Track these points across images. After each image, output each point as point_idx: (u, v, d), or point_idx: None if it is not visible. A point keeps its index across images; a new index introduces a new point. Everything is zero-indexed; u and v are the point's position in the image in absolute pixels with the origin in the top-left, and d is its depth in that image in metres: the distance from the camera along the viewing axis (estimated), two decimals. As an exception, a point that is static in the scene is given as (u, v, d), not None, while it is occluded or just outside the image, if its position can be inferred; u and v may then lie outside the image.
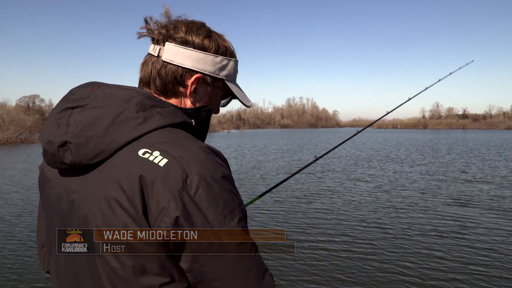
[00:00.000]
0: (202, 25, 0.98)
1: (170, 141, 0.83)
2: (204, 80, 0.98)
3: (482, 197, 10.00)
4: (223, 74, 1.00)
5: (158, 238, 0.78)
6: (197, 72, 0.96)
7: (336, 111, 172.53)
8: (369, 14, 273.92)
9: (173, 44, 0.94)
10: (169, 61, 0.94)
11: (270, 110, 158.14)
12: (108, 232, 0.80)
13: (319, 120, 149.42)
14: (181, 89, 0.97)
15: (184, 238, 0.78)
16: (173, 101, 0.97)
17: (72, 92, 0.92)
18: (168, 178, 0.77)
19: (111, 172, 0.81)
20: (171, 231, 0.77)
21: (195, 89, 0.97)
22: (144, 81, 0.98)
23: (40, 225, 1.13)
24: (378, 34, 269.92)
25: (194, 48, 0.94)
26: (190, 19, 0.99)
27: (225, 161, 0.89)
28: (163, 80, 0.95)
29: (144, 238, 0.78)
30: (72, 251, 0.87)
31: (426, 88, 2.98)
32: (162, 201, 0.76)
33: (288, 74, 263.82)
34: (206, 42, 0.96)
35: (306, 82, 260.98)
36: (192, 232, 0.77)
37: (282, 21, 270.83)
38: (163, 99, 0.96)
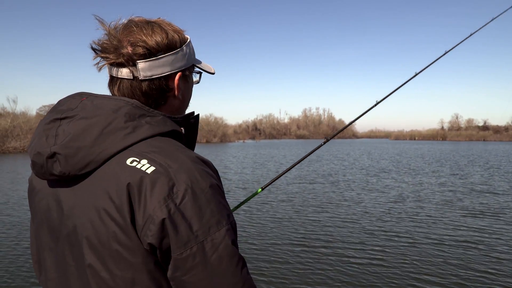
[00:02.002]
0: (147, 23, 0.94)
1: (158, 150, 0.83)
2: (183, 74, 1.00)
3: (505, 209, 9.73)
4: (191, 60, 1.02)
5: (145, 247, 0.78)
6: (176, 72, 0.97)
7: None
8: (388, 24, 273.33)
9: (143, 61, 0.91)
10: (149, 77, 0.93)
11: (286, 120, 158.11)
12: (97, 241, 0.80)
13: (335, 131, 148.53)
14: (168, 94, 0.98)
15: (168, 246, 0.78)
16: (162, 107, 0.98)
17: (60, 103, 0.92)
18: (155, 186, 0.77)
19: (100, 182, 0.81)
20: (157, 240, 0.76)
21: (179, 88, 0.98)
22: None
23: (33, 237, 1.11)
24: (397, 45, 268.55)
25: (164, 53, 0.93)
26: (126, 20, 0.94)
27: (215, 171, 0.89)
28: (152, 97, 0.95)
29: (132, 247, 0.78)
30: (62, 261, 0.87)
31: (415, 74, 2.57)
32: (148, 209, 0.76)
33: (305, 84, 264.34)
34: (168, 41, 0.94)
35: (323, 93, 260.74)
36: (175, 240, 0.76)
37: (299, 31, 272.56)
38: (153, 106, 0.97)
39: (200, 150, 41.97)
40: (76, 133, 0.82)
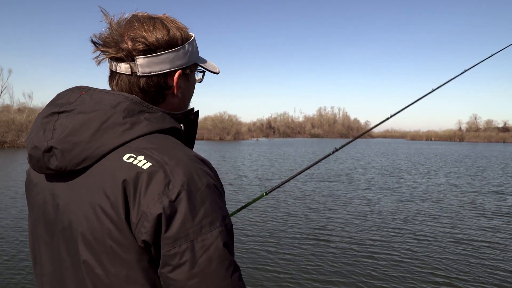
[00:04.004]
0: (149, 19, 0.93)
1: (156, 147, 0.83)
2: (184, 73, 0.98)
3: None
4: (193, 58, 1.00)
5: (139, 244, 0.77)
6: (176, 70, 0.95)
7: (368, 121, 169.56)
8: (402, 23, 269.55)
9: (142, 57, 0.90)
10: (147, 74, 0.91)
11: (300, 119, 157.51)
12: (92, 238, 0.79)
13: (350, 130, 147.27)
14: (167, 91, 0.96)
15: (159, 242, 0.77)
16: (161, 105, 0.96)
17: (59, 96, 0.91)
18: (150, 182, 0.77)
19: (96, 178, 0.81)
20: (150, 237, 0.76)
21: (179, 86, 0.97)
22: None
23: None
24: (413, 43, 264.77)
25: (164, 50, 0.92)
26: (130, 15, 0.93)
27: (213, 171, 0.87)
28: (150, 93, 0.94)
29: (126, 244, 0.77)
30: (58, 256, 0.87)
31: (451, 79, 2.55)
32: (142, 206, 0.76)
33: (320, 83, 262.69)
34: (169, 38, 0.93)
35: (338, 92, 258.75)
36: (165, 236, 0.75)
37: (315, 29, 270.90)
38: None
39: (212, 147, 42.07)
40: (73, 127, 0.82)
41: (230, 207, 8.95)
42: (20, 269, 5.35)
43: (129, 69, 0.91)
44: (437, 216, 9.09)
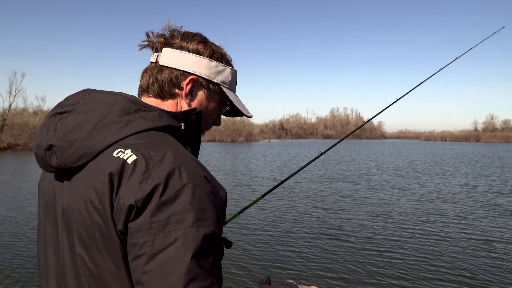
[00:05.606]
0: (197, 34, 1.03)
1: (146, 142, 0.83)
2: (200, 83, 1.01)
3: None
4: (218, 79, 1.03)
5: (120, 236, 0.77)
6: (192, 74, 0.99)
7: (381, 122, 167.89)
8: (416, 23, 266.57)
9: (169, 49, 0.99)
10: (165, 65, 0.99)
11: (313, 120, 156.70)
12: (84, 232, 0.81)
13: (363, 131, 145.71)
14: (177, 90, 0.99)
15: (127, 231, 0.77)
16: (169, 102, 1.00)
17: (66, 98, 0.96)
18: (132, 175, 0.77)
19: (89, 174, 0.83)
20: (123, 228, 0.76)
21: (190, 91, 1.00)
22: (144, 87, 1.02)
23: None
24: (426, 43, 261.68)
25: (189, 52, 0.99)
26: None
27: (206, 172, 0.84)
28: (159, 83, 0.99)
29: (110, 237, 0.78)
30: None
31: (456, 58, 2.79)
32: (120, 198, 0.77)
33: (333, 84, 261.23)
34: (200, 47, 1.01)
35: (351, 92, 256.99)
36: (130, 225, 0.75)
37: (327, 29, 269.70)
38: (160, 101, 1.00)
39: (223, 148, 42.02)
40: (72, 126, 0.85)
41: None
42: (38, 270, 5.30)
43: (155, 58, 1.00)
44: (457, 217, 8.95)
